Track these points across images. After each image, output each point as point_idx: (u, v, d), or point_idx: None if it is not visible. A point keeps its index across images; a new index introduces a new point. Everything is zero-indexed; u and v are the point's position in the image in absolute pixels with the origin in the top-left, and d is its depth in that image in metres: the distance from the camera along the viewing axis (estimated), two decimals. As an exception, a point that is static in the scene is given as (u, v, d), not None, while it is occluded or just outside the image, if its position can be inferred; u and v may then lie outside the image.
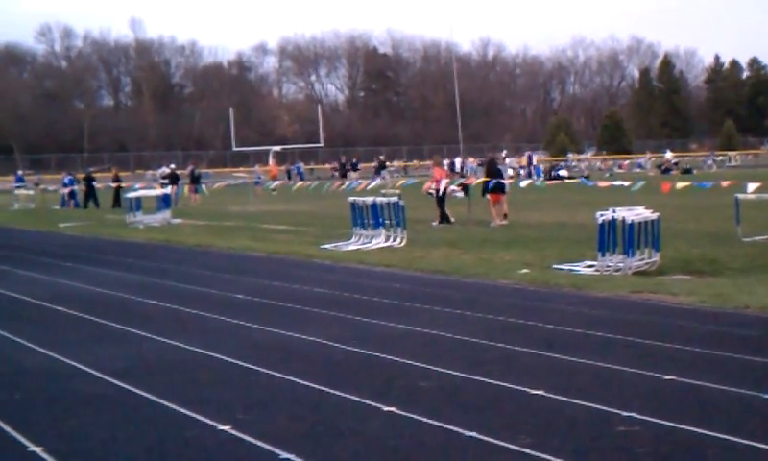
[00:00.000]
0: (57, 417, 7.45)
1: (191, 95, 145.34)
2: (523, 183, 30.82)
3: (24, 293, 15.28)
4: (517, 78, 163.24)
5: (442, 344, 10.10)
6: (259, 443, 6.54)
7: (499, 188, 27.61)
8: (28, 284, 16.53)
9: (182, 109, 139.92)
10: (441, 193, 28.29)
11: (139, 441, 6.71)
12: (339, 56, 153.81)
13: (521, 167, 72.48)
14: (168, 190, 39.45)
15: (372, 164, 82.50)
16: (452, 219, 27.65)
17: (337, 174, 78.01)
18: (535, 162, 74.67)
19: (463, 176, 53.87)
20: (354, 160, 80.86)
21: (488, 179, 28.18)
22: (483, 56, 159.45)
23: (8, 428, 7.10)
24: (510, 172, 68.57)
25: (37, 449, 6.53)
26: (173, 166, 54.64)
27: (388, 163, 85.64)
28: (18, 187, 57.83)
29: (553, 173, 65.71)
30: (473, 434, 6.57)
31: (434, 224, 27.30)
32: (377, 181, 47.87)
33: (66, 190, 50.39)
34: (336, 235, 23.68)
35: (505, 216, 27.39)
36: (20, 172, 70.87)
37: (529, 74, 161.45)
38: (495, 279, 15.52)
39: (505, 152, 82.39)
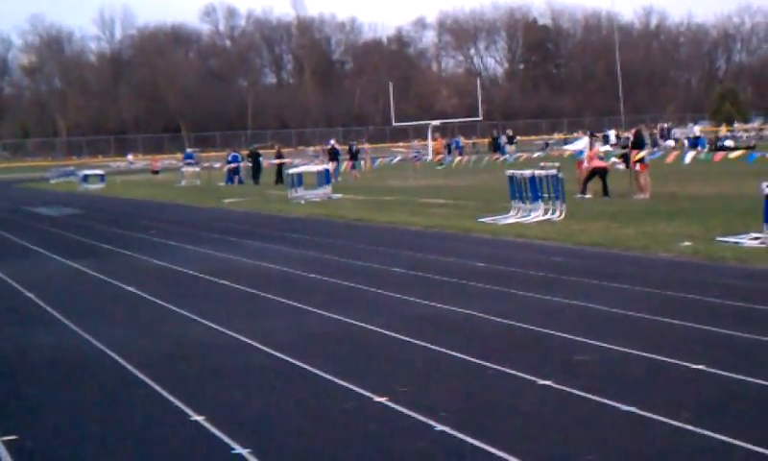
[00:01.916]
0: (219, 388, 7.65)
1: (351, 71, 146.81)
2: (688, 157, 29.99)
3: (190, 267, 15.70)
4: (681, 47, 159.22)
5: (599, 317, 9.98)
6: (415, 415, 6.59)
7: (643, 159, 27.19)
8: (193, 259, 16.98)
9: (343, 86, 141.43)
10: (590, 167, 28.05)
11: (298, 411, 6.85)
12: (498, 28, 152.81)
13: (687, 138, 70.70)
14: (329, 166, 39.95)
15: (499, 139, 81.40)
16: (588, 195, 27.26)
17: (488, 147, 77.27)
18: (697, 133, 72.83)
19: (624, 148, 52.91)
20: (510, 133, 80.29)
21: (637, 150, 27.62)
22: (645, 25, 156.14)
23: (172, 398, 7.33)
24: (671, 143, 67.12)
25: (200, 419, 6.72)
26: (332, 142, 55.29)
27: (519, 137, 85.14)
28: (188, 164, 59.41)
29: (719, 144, 63.94)
30: (631, 409, 6.49)
31: (586, 196, 27.04)
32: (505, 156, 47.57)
33: (231, 166, 51.45)
34: (494, 209, 23.60)
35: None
36: (189, 149, 72.81)
37: (693, 42, 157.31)
38: (656, 252, 15.24)
39: (668, 124, 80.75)
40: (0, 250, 20.33)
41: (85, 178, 56.72)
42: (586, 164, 28.51)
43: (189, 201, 37.00)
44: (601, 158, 29.29)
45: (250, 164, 50.89)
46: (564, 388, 7.11)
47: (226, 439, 6.25)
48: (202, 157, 67.75)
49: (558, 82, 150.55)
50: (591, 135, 34.22)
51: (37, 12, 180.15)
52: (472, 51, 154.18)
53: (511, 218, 21.72)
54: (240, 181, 49.99)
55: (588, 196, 26.99)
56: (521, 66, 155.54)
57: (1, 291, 14.06)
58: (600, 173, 27.95)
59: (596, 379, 7.34)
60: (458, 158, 52.60)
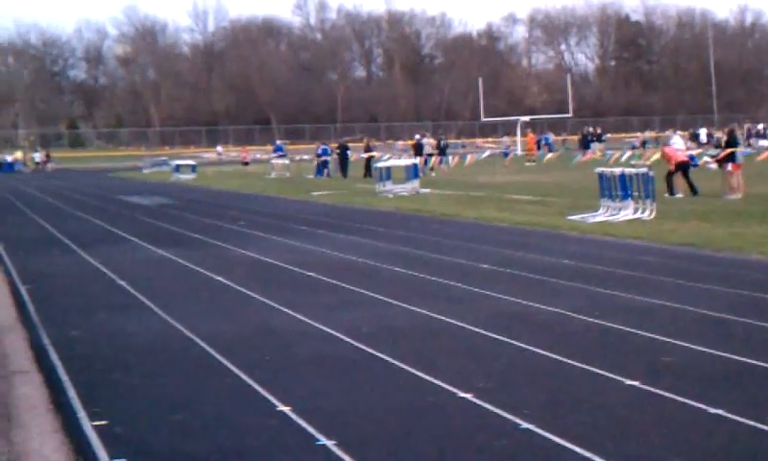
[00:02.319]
0: (304, 378, 7.72)
1: (441, 66, 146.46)
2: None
3: (277, 258, 15.84)
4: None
5: (688, 319, 9.85)
6: (499, 411, 6.58)
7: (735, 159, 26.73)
8: (281, 250, 17.13)
9: (432, 80, 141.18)
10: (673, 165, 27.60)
11: (382, 403, 6.88)
12: (590, 24, 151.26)
13: None
14: (416, 160, 39.93)
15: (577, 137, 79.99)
16: (679, 194, 26.77)
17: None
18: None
19: (717, 147, 51.98)
20: (599, 131, 79.34)
21: (729, 150, 27.15)
22: (740, 22, 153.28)
23: (258, 388, 7.41)
24: (766, 143, 65.87)
25: (285, 409, 6.79)
26: (417, 137, 55.26)
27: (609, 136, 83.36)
28: (279, 156, 59.85)
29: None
30: (719, 412, 6.41)
31: (677, 195, 26.57)
32: (587, 155, 47.03)
33: (321, 159, 51.72)
34: (583, 206, 23.42)
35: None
36: (279, 142, 73.35)
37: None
38: (748, 254, 14.99)
39: (763, 124, 79.29)
40: (94, 238, 20.72)
41: (177, 168, 57.54)
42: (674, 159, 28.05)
43: (278, 192, 37.28)
44: (692, 158, 28.87)
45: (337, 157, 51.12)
46: (650, 389, 7.05)
47: (310, 429, 6.31)
48: (289, 150, 68.12)
49: (650, 79, 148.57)
50: (693, 136, 33.65)
51: (132, 4, 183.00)
52: (563, 47, 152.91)
53: (600, 216, 21.54)
54: (329, 174, 50.23)
55: (679, 195, 26.62)
56: (613, 63, 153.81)
57: (95, 278, 14.34)
58: (683, 168, 27.48)
59: (684, 381, 7.25)
60: (548, 155, 52.27)
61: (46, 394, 7.59)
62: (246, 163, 73.24)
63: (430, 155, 48.82)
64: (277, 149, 64.26)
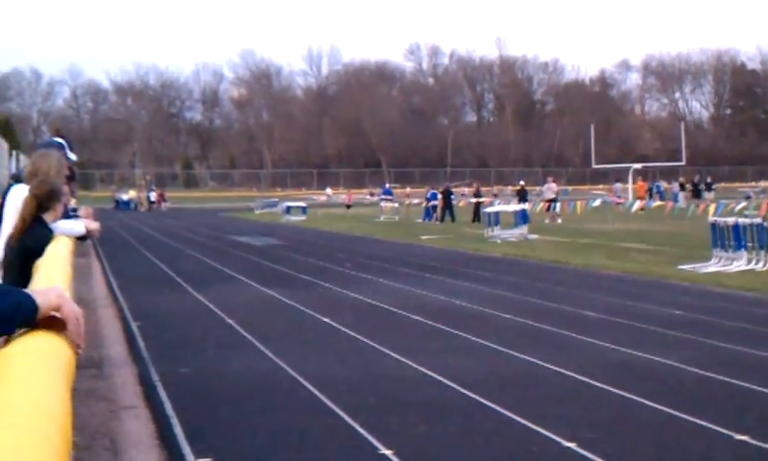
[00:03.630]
0: (407, 423, 7.71)
1: (552, 112, 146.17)
2: None
3: (383, 301, 15.88)
4: None
5: (802, 374, 9.60)
6: (603, 462, 6.50)
7: None
8: (387, 293, 17.17)
9: (543, 126, 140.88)
10: None
11: (484, 451, 6.84)
12: (705, 72, 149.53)
13: None
14: (525, 206, 39.76)
15: (672, 184, 77.93)
16: None
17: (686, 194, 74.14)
18: None
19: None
20: (709, 180, 77.81)
21: None
22: None
23: (362, 430, 7.43)
24: None
25: (388, 453, 6.79)
26: (522, 182, 55.14)
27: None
28: (385, 200, 60.16)
29: None
30: (832, 471, 6.24)
31: None
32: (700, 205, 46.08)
33: (430, 204, 51.91)
34: (695, 256, 23.03)
35: None
36: (387, 185, 73.77)
37: None
38: None
39: None
40: (205, 276, 21.04)
41: (288, 209, 58.17)
42: None
43: (386, 236, 37.39)
44: None
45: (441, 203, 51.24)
46: (761, 444, 6.88)
47: (411, 474, 6.29)
48: (397, 195, 68.38)
49: (766, 128, 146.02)
50: None
51: (249, 48, 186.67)
52: (677, 94, 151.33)
53: (712, 266, 21.14)
54: (437, 219, 50.33)
55: None
56: (728, 111, 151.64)
57: (204, 316, 14.55)
58: None
59: (795, 438, 7.07)
60: (659, 203, 51.53)
61: (153, 429, 7.71)
62: (348, 206, 73.62)
63: (551, 200, 48.56)
64: (385, 192, 64.62)
